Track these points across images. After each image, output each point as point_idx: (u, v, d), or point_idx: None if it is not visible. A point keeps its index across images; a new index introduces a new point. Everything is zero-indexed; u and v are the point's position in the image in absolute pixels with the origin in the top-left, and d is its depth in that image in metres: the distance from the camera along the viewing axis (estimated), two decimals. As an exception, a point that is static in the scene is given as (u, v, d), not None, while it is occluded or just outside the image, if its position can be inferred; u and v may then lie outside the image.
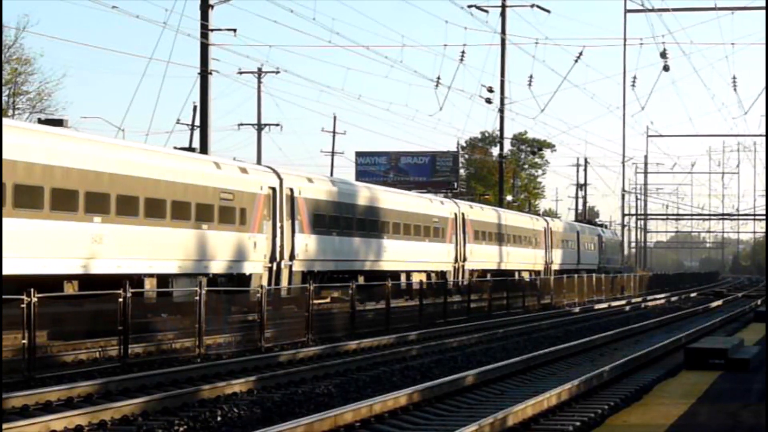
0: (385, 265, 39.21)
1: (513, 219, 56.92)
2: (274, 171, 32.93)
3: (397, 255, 40.33)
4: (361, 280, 35.08)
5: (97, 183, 24.31)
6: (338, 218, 36.21)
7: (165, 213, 26.69)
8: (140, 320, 22.57)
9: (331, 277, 35.16)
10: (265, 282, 30.15)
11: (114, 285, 22.10)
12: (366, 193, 39.54)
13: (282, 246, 32.02)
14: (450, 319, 33.98)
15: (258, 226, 30.78)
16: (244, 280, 29.88)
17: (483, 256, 49.87)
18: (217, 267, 28.77)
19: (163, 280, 26.54)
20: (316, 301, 28.17)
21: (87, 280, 23.61)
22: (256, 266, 30.67)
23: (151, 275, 26.01)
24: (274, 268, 31.61)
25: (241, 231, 29.91)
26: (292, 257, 32.63)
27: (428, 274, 43.45)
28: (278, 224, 31.90)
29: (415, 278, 41.26)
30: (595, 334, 28.07)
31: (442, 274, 44.24)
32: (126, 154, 25.93)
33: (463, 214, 47.92)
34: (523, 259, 56.56)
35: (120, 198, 25.04)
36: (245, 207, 30.21)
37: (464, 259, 47.50)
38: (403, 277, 40.27)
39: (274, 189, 31.86)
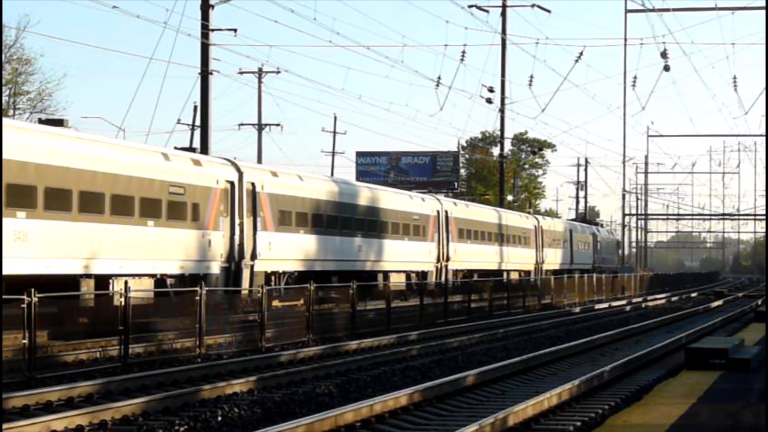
0: (360, 265, 37.31)
1: (501, 217, 54.62)
2: (233, 164, 30.89)
3: (373, 254, 38.67)
4: (334, 281, 33.30)
5: (21, 174, 22.07)
6: (306, 215, 34.10)
7: (103, 208, 24.61)
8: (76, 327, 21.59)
9: (299, 278, 32.56)
10: (221, 283, 28.59)
11: (44, 287, 20.25)
12: (338, 189, 37.23)
13: (242, 244, 29.96)
14: (450, 319, 33.97)
15: (213, 222, 28.75)
16: (198, 281, 26.90)
17: (468, 256, 47.85)
18: (165, 267, 26.69)
19: (102, 281, 24.40)
20: (279, 304, 26.84)
21: (12, 282, 20.78)
22: (211, 266, 28.63)
23: (87, 276, 23.94)
24: (233, 268, 29.58)
25: (194, 228, 27.88)
26: (253, 257, 30.60)
27: (408, 274, 41.65)
28: (237, 221, 29.85)
29: (393, 279, 39.22)
30: (596, 334, 28.07)
31: (423, 275, 42.45)
32: (55, 142, 23.61)
33: (446, 212, 45.98)
34: (511, 259, 54.48)
35: (49, 191, 22.85)
36: (198, 202, 28.15)
37: (447, 259, 45.45)
38: (379, 278, 38.26)
39: (232, 183, 29.78)
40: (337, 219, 36.18)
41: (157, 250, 26.43)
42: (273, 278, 31.54)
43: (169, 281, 26.89)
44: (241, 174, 30.41)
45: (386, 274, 39.45)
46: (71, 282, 22.93)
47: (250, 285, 29.92)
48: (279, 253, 32.04)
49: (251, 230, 30.65)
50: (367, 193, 39.76)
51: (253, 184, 30.91)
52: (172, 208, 27.14)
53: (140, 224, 25.92)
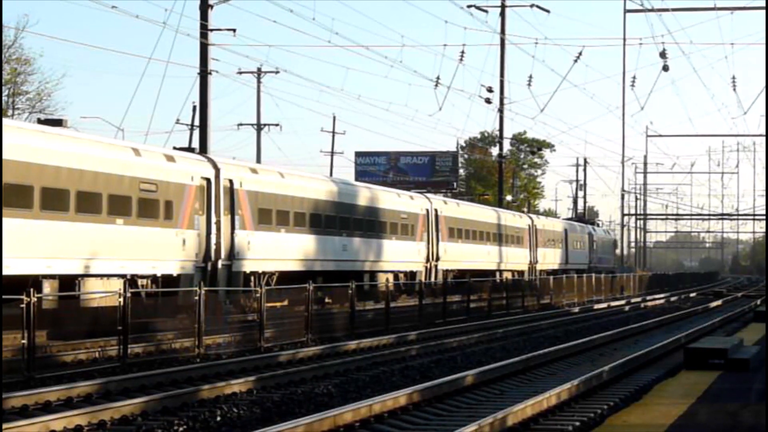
0: (345, 266, 36.29)
1: (493, 216, 53.86)
2: (210, 160, 30.02)
3: (360, 254, 37.85)
4: (318, 282, 32.06)
5: None
6: (288, 213, 33.12)
7: (68, 205, 23.66)
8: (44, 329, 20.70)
9: (281, 278, 31.77)
10: (196, 284, 26.58)
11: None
12: (322, 187, 36.21)
13: (218, 243, 29.06)
14: (449, 319, 33.95)
15: (188, 221, 27.84)
16: (172, 281, 26.83)
17: (459, 256, 46.96)
18: (135, 267, 25.76)
19: (68, 281, 23.60)
20: (268, 304, 26.68)
21: None
22: (185, 266, 27.68)
23: (51, 276, 23.02)
24: (209, 268, 28.68)
25: (167, 227, 27.00)
26: (231, 256, 29.74)
27: (396, 274, 40.85)
28: (214, 219, 28.98)
29: (381, 279, 38.46)
30: (595, 334, 28.06)
31: (411, 275, 41.83)
32: (15, 137, 22.39)
33: (435, 210, 45.13)
34: (504, 259, 53.81)
35: (8, 187, 21.77)
36: (171, 199, 27.24)
37: (437, 259, 44.70)
38: (366, 279, 37.54)
39: (208, 180, 28.89)
40: (320, 217, 35.30)
41: (127, 249, 25.52)
42: (252, 279, 30.69)
43: (140, 282, 26.05)
44: (218, 170, 29.53)
45: (373, 275, 38.76)
46: (33, 283, 21.40)
47: (228, 286, 29.32)
48: (258, 252, 31.17)
49: (229, 229, 29.76)
50: (353, 191, 38.89)
51: (230, 181, 30.05)
52: (144, 205, 26.23)
53: (108, 222, 25.01)
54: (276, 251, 32.29)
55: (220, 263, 29.29)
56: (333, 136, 77.07)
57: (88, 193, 24.40)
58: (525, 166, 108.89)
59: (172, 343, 22.79)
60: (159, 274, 26.69)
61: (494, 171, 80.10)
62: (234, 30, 38.08)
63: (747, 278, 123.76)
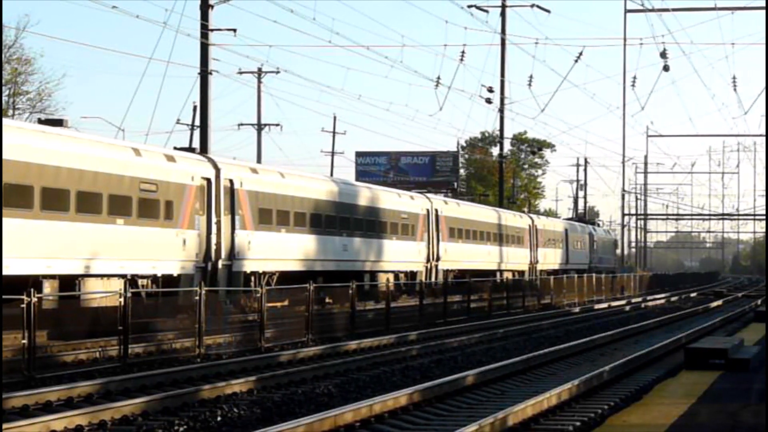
0: (346, 265, 36.30)
1: (494, 216, 53.88)
2: (210, 160, 30.03)
3: (360, 254, 37.88)
4: (319, 282, 31.83)
5: None
6: (288, 213, 33.16)
7: (68, 205, 23.66)
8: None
9: (281, 278, 31.76)
10: (197, 284, 26.33)
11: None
12: (323, 187, 36.27)
13: (219, 243, 29.10)
14: (450, 319, 33.95)
15: (188, 221, 27.85)
16: (172, 281, 26.87)
17: (459, 256, 47.10)
18: (135, 267, 25.77)
19: (68, 281, 23.60)
20: (269, 304, 26.67)
21: None
22: (185, 266, 27.70)
23: (51, 276, 22.98)
24: (209, 268, 28.65)
25: (167, 227, 27.04)
26: (231, 256, 29.74)
27: (396, 274, 40.87)
28: (214, 219, 29.00)
29: (382, 279, 38.51)
30: (595, 334, 28.07)
31: (412, 275, 41.86)
32: (16, 136, 22.34)
33: (436, 210, 45.18)
34: (505, 259, 53.84)
35: (8, 187, 21.69)
36: (172, 199, 27.26)
37: (437, 259, 44.73)
38: (366, 279, 37.54)
39: (209, 180, 28.91)
40: (321, 217, 35.28)
41: (127, 249, 25.52)
42: (253, 279, 30.66)
43: (140, 282, 26.01)
44: (218, 170, 29.52)
45: (374, 275, 38.72)
46: (33, 283, 21.33)
47: (228, 286, 29.27)
48: (259, 252, 31.12)
49: (229, 229, 29.78)
50: (353, 191, 38.88)
51: (231, 181, 30.07)
52: (144, 205, 26.24)
53: (108, 222, 25.00)
54: (276, 251, 32.26)
55: (220, 263, 29.27)
56: (333, 136, 77.14)
57: (88, 193, 24.41)
58: (525, 166, 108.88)
59: (173, 343, 22.79)
60: (159, 274, 26.69)
61: (495, 171, 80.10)
62: (234, 30, 38.12)
63: (747, 278, 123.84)
